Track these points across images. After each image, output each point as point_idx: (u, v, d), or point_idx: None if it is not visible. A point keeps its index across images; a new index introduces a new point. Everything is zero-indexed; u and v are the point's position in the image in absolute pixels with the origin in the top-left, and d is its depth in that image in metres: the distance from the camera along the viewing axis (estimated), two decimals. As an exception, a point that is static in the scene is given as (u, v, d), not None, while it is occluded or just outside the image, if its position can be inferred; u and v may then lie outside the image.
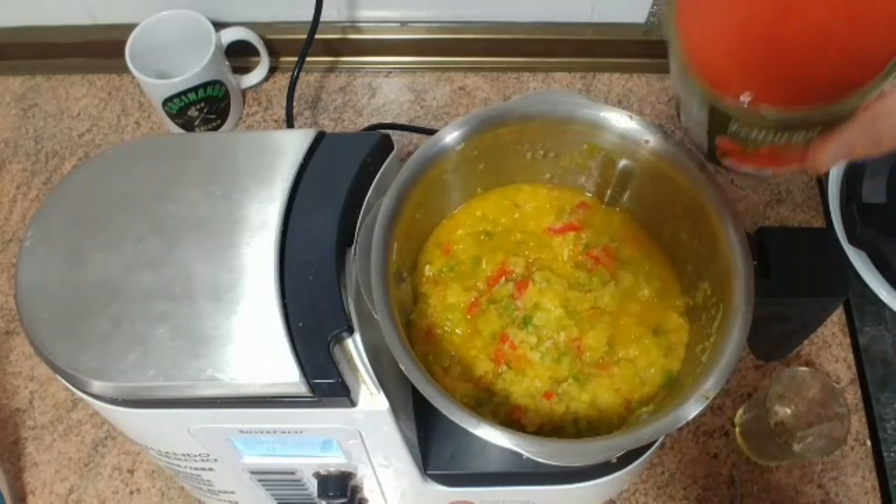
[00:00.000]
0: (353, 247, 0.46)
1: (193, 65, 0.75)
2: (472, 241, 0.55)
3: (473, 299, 0.52)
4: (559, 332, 0.50)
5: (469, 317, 0.51)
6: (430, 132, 0.78)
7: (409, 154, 0.48)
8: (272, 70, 0.86)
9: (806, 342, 0.71)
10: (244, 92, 0.86)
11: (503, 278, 0.52)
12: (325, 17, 0.77)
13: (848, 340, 0.72)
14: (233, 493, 0.58)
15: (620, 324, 0.51)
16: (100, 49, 0.86)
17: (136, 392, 0.43)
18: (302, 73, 0.80)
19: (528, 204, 0.56)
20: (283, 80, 0.87)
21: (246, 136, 0.51)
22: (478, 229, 0.55)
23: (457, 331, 0.51)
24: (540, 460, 0.45)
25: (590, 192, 0.56)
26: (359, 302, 0.44)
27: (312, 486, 0.55)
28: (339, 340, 0.43)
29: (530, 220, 0.56)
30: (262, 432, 0.47)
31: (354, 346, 0.44)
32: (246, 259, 0.44)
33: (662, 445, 0.68)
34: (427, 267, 0.54)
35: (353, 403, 0.44)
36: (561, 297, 0.51)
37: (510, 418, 0.48)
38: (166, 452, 0.51)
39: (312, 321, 0.43)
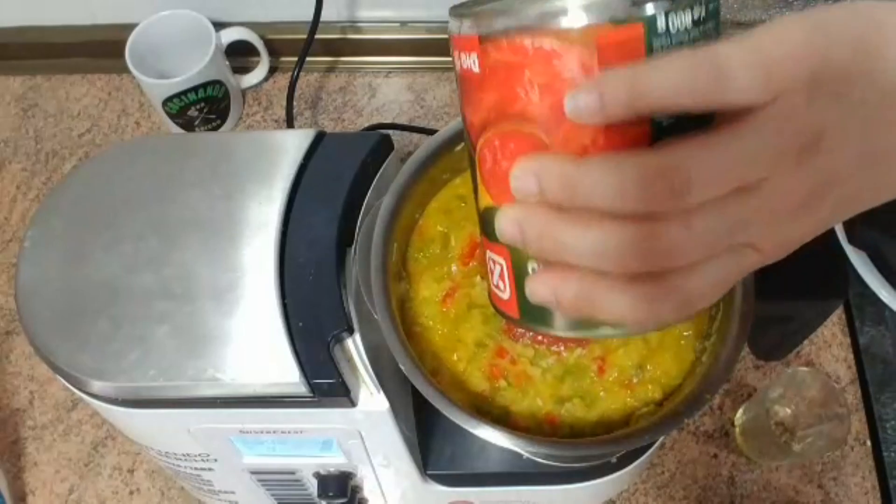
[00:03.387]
0: (353, 247, 0.46)
1: (193, 65, 0.75)
2: (441, 213, 0.49)
3: (447, 290, 0.46)
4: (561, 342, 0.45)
5: (447, 312, 0.46)
6: (430, 132, 0.78)
7: (409, 154, 0.48)
8: (272, 70, 0.86)
9: (806, 342, 0.71)
10: (244, 92, 0.86)
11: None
12: (325, 17, 0.77)
13: (848, 340, 0.72)
14: (233, 493, 0.58)
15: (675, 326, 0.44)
16: (100, 49, 0.86)
17: (136, 392, 0.43)
18: (302, 73, 0.80)
19: None
20: (283, 80, 0.87)
21: (246, 136, 0.51)
22: (451, 195, 0.50)
23: (437, 329, 0.46)
24: (540, 460, 0.45)
25: None
26: (359, 302, 0.44)
27: (312, 486, 0.55)
28: (339, 340, 0.43)
29: None
30: (262, 432, 0.47)
31: (354, 346, 0.44)
32: (246, 259, 0.44)
33: (662, 445, 0.68)
34: (404, 256, 0.49)
35: (353, 403, 0.44)
36: None
37: None
38: (166, 452, 0.51)
39: (312, 321, 0.43)
